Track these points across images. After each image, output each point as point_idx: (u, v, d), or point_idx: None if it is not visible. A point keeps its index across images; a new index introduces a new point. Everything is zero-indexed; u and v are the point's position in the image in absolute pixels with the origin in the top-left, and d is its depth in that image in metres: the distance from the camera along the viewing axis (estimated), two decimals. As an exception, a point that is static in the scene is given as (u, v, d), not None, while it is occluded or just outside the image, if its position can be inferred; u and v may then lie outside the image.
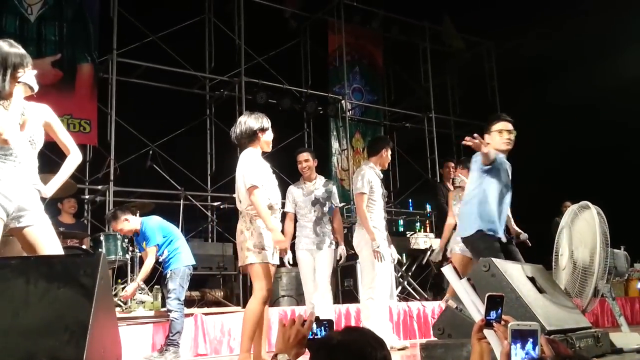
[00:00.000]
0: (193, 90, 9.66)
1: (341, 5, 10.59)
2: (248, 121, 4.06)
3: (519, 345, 1.58)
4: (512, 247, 4.28)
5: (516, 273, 3.34)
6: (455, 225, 5.31)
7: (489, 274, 3.14)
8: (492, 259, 3.20)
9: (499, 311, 1.84)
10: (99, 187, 8.05)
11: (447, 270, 2.25)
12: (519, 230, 5.42)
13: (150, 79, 8.94)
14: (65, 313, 1.93)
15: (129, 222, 5.40)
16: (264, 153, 4.22)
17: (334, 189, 5.67)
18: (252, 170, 3.92)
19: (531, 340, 1.58)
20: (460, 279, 2.19)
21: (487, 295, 1.88)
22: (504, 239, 4.15)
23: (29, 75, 3.01)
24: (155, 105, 9.00)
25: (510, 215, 5.11)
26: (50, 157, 7.43)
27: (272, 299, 7.15)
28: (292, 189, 5.57)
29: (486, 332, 1.83)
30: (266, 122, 4.10)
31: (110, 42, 8.20)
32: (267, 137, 4.13)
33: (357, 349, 1.51)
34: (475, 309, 2.08)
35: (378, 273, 5.23)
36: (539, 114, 10.22)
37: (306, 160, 5.51)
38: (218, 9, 9.91)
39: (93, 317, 1.92)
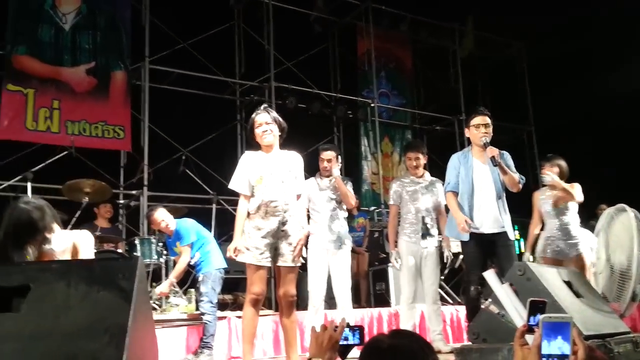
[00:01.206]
0: (224, 95, 9.75)
1: (369, 9, 10.60)
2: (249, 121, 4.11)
3: (550, 338, 1.56)
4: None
5: (552, 277, 3.30)
6: (543, 226, 5.34)
7: (524, 278, 3.10)
8: (527, 262, 3.17)
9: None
10: (133, 192, 8.19)
11: (489, 275, 2.24)
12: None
13: (182, 85, 9.07)
14: (104, 316, 1.97)
15: (168, 221, 5.51)
16: (288, 145, 4.20)
17: (350, 184, 5.55)
18: (234, 174, 3.99)
19: (563, 332, 1.56)
20: (502, 284, 2.18)
21: (529, 300, 1.87)
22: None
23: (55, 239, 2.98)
24: (186, 111, 9.12)
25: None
26: (86, 163, 7.62)
27: (304, 303, 7.18)
28: (307, 183, 5.18)
29: (528, 337, 1.81)
30: (255, 116, 4.00)
31: (142, 49, 8.35)
32: (257, 130, 3.99)
33: (408, 353, 1.50)
34: (518, 314, 2.06)
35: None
36: (571, 116, 10.06)
37: (329, 160, 5.35)
38: (247, 15, 10.01)
39: (132, 319, 1.95)
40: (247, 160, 3.97)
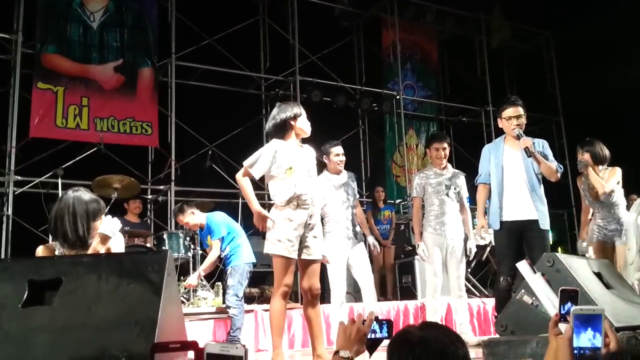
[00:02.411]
0: (249, 90, 9.80)
1: (394, 1, 10.53)
2: (278, 112, 4.00)
3: (582, 330, 1.55)
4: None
5: (582, 268, 3.25)
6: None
7: (554, 269, 3.06)
8: (556, 254, 3.13)
9: (574, 306, 1.81)
10: (161, 187, 8.29)
11: (522, 266, 2.23)
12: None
13: (208, 80, 9.15)
14: (135, 308, 2.01)
15: (195, 216, 5.58)
16: (315, 148, 4.20)
17: (356, 182, 5.53)
18: (256, 154, 3.89)
19: (595, 325, 1.55)
20: (535, 274, 2.17)
21: (560, 289, 1.86)
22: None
23: (105, 223, 3.02)
24: (212, 106, 9.19)
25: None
26: (114, 159, 7.74)
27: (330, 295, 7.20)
28: (319, 181, 5.13)
29: (561, 326, 1.81)
30: (297, 109, 3.99)
31: (169, 46, 8.43)
32: (301, 123, 3.99)
33: (439, 346, 1.49)
34: (551, 303, 2.05)
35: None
36: (600, 104, 9.88)
37: (343, 154, 5.34)
38: (272, 10, 10.03)
39: (161, 311, 1.99)
40: (277, 149, 3.89)
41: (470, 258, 5.73)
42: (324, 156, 5.32)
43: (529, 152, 4.24)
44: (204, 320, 5.56)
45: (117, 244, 3.14)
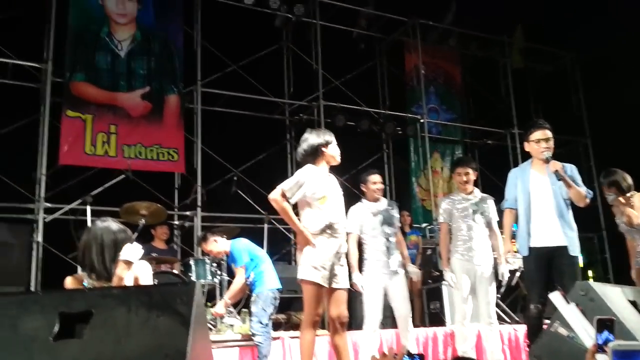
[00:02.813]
0: (273, 116, 9.88)
1: (417, 25, 10.58)
2: (310, 139, 4.02)
3: None
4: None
5: (616, 297, 3.17)
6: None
7: (587, 298, 2.99)
8: (590, 282, 3.06)
9: (611, 336, 1.77)
10: (187, 212, 8.34)
11: (555, 297, 2.18)
12: None
13: (233, 106, 9.25)
14: (164, 341, 2.00)
15: (217, 244, 5.58)
16: (338, 172, 4.20)
17: (397, 210, 5.54)
18: (293, 178, 3.87)
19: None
20: (569, 304, 2.12)
21: (596, 318, 1.82)
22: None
23: (127, 250, 3.05)
24: (237, 132, 9.27)
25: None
26: (141, 185, 7.82)
27: (357, 321, 7.13)
28: (357, 209, 5.33)
29: (599, 357, 1.76)
30: (329, 137, 4.01)
31: (194, 73, 8.56)
32: (332, 150, 4.02)
33: None
34: (587, 334, 2.00)
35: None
36: (628, 124, 9.73)
37: (381, 182, 5.44)
38: (295, 36, 10.14)
39: (190, 344, 1.97)
40: (313, 176, 3.90)
41: (503, 283, 5.65)
42: (362, 184, 5.40)
43: (559, 176, 4.17)
44: (231, 348, 5.53)
45: (145, 272, 3.16)
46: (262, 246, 7.07)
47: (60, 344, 2.03)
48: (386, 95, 11.07)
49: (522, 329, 6.66)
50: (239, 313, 6.07)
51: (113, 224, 3.10)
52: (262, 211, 8.03)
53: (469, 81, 12.00)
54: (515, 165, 10.65)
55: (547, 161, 4.28)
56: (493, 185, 10.87)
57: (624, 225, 5.09)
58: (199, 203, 8.09)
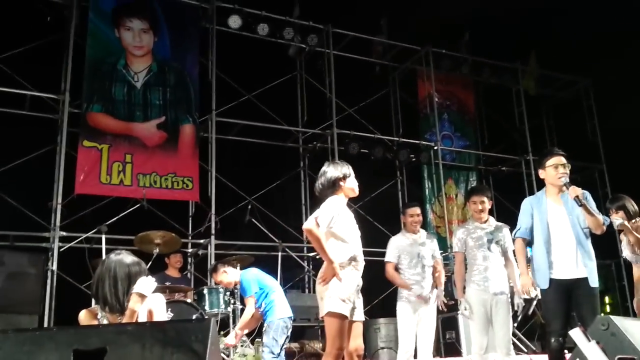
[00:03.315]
0: (287, 144, 9.93)
1: (430, 54, 10.64)
2: (328, 171, 4.02)
3: None
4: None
5: (638, 331, 3.11)
6: None
7: (608, 332, 2.93)
8: (611, 317, 3.00)
9: None
10: (201, 241, 8.36)
11: (576, 334, 2.15)
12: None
13: (247, 135, 9.32)
14: (178, 379, 2.00)
15: (228, 275, 5.60)
16: (352, 200, 4.19)
17: (436, 242, 5.74)
18: (329, 211, 3.83)
19: None
20: (590, 341, 2.09)
21: (617, 358, 1.79)
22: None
23: (140, 283, 3.07)
24: (251, 160, 9.33)
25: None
26: (156, 213, 7.86)
27: (370, 352, 7.06)
28: (397, 239, 5.60)
29: None
30: (347, 169, 4.01)
31: (209, 103, 8.65)
32: (350, 183, 4.02)
33: None
34: (608, 373, 1.98)
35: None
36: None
37: (418, 215, 5.62)
38: (309, 65, 10.24)
39: (204, 382, 1.97)
40: (341, 207, 3.94)
41: (519, 313, 5.59)
42: (402, 215, 5.75)
43: (579, 202, 4.11)
44: (244, 379, 5.49)
45: (159, 305, 3.16)
46: (275, 274, 7.07)
47: (74, 381, 2.03)
48: (400, 123, 11.09)
49: (538, 359, 6.55)
50: (252, 343, 6.04)
51: (126, 257, 3.11)
52: (275, 239, 8.03)
53: (483, 108, 12.00)
54: (531, 191, 10.59)
55: (566, 186, 4.24)
56: (507, 211, 10.80)
57: (629, 252, 5.04)
58: (213, 231, 8.10)
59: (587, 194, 4.33)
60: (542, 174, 4.46)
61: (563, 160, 4.36)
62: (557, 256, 4.24)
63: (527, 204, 4.57)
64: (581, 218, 4.24)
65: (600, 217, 4.25)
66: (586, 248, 4.26)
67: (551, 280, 4.22)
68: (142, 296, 2.99)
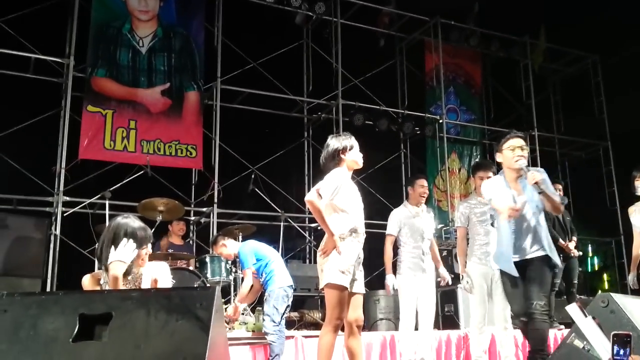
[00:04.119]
0: (292, 113, 9.88)
1: (438, 25, 10.51)
2: (331, 144, 4.02)
3: None
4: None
5: (637, 309, 3.14)
6: None
7: (608, 310, 2.96)
8: (611, 294, 3.02)
9: (627, 350, 1.76)
10: (204, 209, 8.38)
11: (573, 309, 2.17)
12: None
13: (251, 103, 9.26)
14: (183, 345, 2.02)
15: (227, 247, 5.64)
16: (354, 172, 4.19)
17: (433, 216, 5.74)
18: (333, 183, 3.84)
19: None
20: (586, 317, 2.11)
21: (612, 333, 1.81)
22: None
23: (120, 250, 3.04)
24: (255, 129, 9.29)
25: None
26: (159, 181, 7.87)
27: (369, 323, 7.12)
28: (399, 211, 5.57)
29: None
30: (349, 141, 4.00)
31: (214, 70, 8.58)
32: (353, 155, 4.01)
33: None
34: (604, 348, 2.00)
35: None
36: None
37: (427, 186, 5.61)
38: (315, 34, 10.13)
39: (209, 349, 1.99)
40: (344, 179, 3.94)
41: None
42: (409, 187, 5.66)
43: (539, 189, 3.99)
44: (244, 346, 5.54)
45: (164, 273, 3.18)
46: (277, 243, 7.10)
47: (79, 345, 2.06)
48: (405, 95, 11.01)
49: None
50: (253, 311, 6.10)
51: (134, 221, 3.12)
52: (277, 209, 8.05)
53: (490, 82, 11.90)
54: (535, 167, 10.51)
55: (524, 171, 4.13)
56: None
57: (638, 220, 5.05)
58: (216, 200, 8.12)
59: (544, 174, 4.19)
60: (499, 157, 4.32)
61: (521, 142, 4.22)
62: (519, 241, 4.17)
63: (486, 190, 4.46)
64: (540, 204, 4.16)
65: (558, 198, 4.22)
66: (544, 233, 4.19)
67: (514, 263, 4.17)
68: (122, 263, 2.97)
